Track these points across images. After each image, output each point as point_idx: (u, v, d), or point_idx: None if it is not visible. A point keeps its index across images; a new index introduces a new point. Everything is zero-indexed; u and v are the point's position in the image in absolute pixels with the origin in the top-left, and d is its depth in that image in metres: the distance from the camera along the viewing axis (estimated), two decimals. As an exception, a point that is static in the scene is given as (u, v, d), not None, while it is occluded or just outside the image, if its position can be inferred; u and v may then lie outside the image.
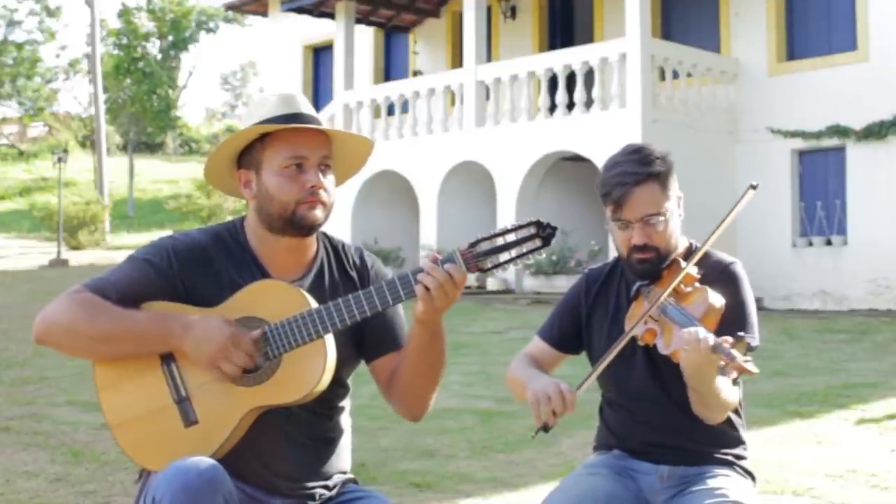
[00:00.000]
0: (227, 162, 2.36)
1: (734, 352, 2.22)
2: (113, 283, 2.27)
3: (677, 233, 2.58)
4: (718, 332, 2.31)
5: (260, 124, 2.29)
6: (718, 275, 2.54)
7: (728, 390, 2.43)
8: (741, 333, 2.27)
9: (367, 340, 2.39)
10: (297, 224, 2.28)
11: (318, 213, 2.29)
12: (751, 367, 2.21)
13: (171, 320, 2.21)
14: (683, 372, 2.36)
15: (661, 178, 2.52)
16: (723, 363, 2.23)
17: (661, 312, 2.45)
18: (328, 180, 2.31)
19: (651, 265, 2.53)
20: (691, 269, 2.49)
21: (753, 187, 2.45)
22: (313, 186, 2.27)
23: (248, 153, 2.32)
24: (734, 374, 2.22)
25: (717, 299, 2.44)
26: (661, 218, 2.51)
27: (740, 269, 2.59)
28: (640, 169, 2.50)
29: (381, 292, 2.18)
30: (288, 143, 2.27)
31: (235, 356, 2.16)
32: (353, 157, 2.43)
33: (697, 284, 2.48)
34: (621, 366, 2.56)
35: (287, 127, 2.27)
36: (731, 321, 2.43)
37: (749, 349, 2.26)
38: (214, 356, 2.17)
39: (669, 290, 2.45)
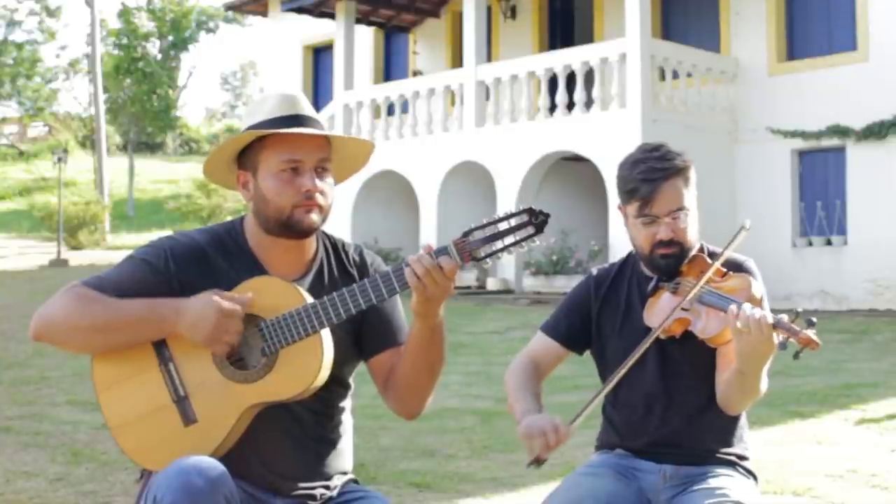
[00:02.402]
0: (228, 161, 2.37)
1: (795, 326, 2.22)
2: (110, 281, 2.27)
3: (697, 229, 2.62)
4: None
5: (258, 126, 2.28)
6: (736, 272, 2.57)
7: (765, 377, 2.45)
8: (799, 309, 2.28)
9: (365, 337, 2.39)
10: (292, 228, 2.28)
11: (314, 216, 2.28)
12: (816, 337, 2.21)
13: (164, 306, 2.21)
14: (739, 353, 2.35)
15: (684, 174, 2.58)
16: (783, 337, 2.23)
17: (696, 301, 2.46)
18: (325, 183, 2.30)
19: (674, 260, 2.56)
20: (717, 264, 2.52)
21: (746, 229, 2.54)
22: (308, 191, 2.26)
23: (247, 154, 2.32)
24: (797, 348, 2.22)
25: (758, 289, 2.48)
26: (686, 213, 2.56)
27: (755, 266, 2.64)
28: (665, 165, 2.55)
29: (375, 284, 2.18)
30: (284, 147, 2.26)
31: (234, 325, 2.16)
32: (353, 158, 2.43)
33: (732, 273, 2.52)
34: (634, 364, 2.57)
35: (283, 132, 2.26)
36: None
37: (810, 324, 2.26)
38: (212, 333, 2.16)
39: (706, 277, 2.47)
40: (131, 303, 2.23)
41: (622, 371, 2.50)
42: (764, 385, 2.49)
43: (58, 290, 2.29)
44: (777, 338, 2.26)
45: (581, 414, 2.44)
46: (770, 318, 2.27)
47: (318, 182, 2.27)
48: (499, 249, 2.12)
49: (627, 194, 2.58)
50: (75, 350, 2.30)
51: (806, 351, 2.24)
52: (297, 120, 2.28)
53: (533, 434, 2.39)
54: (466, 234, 2.14)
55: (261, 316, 2.22)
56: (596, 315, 2.72)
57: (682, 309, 2.47)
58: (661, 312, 2.53)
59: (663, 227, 2.54)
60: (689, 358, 2.54)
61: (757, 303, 2.44)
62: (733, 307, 2.35)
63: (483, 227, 2.14)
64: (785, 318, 2.27)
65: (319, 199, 2.28)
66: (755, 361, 2.36)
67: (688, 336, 2.51)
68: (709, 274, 2.48)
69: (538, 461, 2.38)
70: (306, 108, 2.32)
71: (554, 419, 2.41)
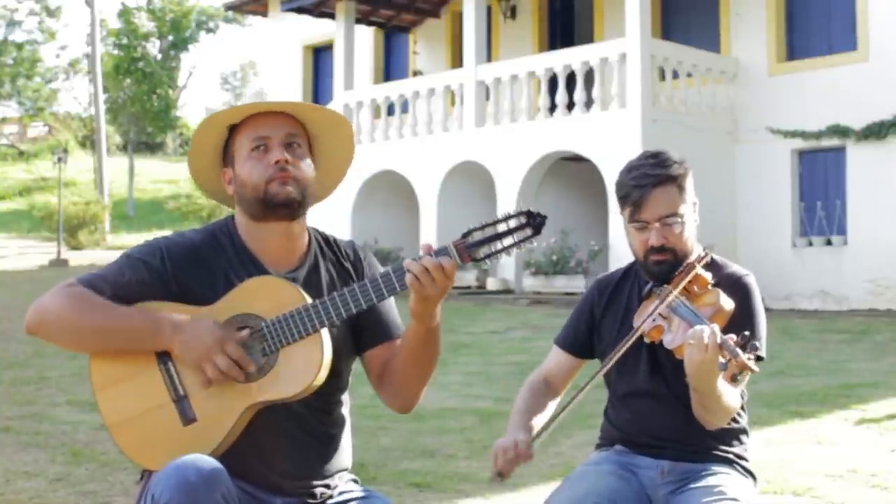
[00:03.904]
0: (214, 167, 2.41)
1: (738, 349, 2.24)
2: (107, 280, 2.27)
3: (693, 237, 2.63)
4: (724, 333, 2.33)
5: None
6: (731, 285, 2.58)
7: (729, 395, 2.44)
8: (746, 333, 2.29)
9: (360, 331, 2.40)
10: (270, 202, 2.29)
11: (290, 188, 2.29)
12: (752, 364, 2.23)
13: (162, 320, 2.21)
14: (686, 369, 2.37)
15: (679, 181, 2.59)
16: (724, 360, 2.25)
17: (671, 310, 2.48)
18: (298, 157, 2.32)
19: (667, 266, 2.57)
20: (706, 275, 2.53)
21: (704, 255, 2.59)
22: (277, 161, 2.28)
23: (226, 153, 2.38)
24: (735, 371, 2.24)
25: (727, 302, 2.49)
26: (678, 220, 2.57)
27: (753, 281, 2.64)
28: (658, 171, 2.57)
29: (375, 284, 2.20)
30: (252, 128, 2.32)
31: (220, 360, 2.17)
32: (337, 141, 2.41)
33: (710, 287, 2.52)
34: (628, 362, 2.59)
35: (239, 108, 2.32)
36: (739, 328, 2.44)
37: (758, 359, 2.30)
38: (199, 359, 2.17)
39: (680, 287, 2.49)
40: (130, 311, 2.23)
41: (592, 381, 2.52)
42: (735, 402, 2.49)
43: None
44: (721, 359, 2.27)
45: (543, 431, 2.52)
46: (717, 338, 2.29)
47: (287, 154, 2.30)
48: (498, 251, 2.16)
49: (621, 200, 2.62)
50: (66, 348, 2.31)
51: (748, 374, 2.28)
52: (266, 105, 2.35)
53: (497, 452, 2.50)
54: (466, 235, 2.17)
55: (261, 316, 2.22)
56: (599, 320, 2.76)
57: (662, 316, 2.49)
58: (643, 317, 2.55)
59: (654, 233, 2.56)
60: (680, 365, 2.54)
61: (725, 315, 2.46)
62: (693, 324, 2.38)
63: (482, 228, 2.17)
64: (732, 340, 2.28)
65: (293, 170, 2.30)
66: (701, 379, 2.36)
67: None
68: (684, 283, 2.50)
69: (500, 475, 2.50)
70: (269, 102, 2.36)
71: (518, 436, 2.51)
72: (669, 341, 2.46)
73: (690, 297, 2.50)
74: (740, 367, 2.23)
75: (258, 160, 2.30)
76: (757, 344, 2.29)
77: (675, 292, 2.48)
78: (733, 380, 2.27)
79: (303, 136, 2.36)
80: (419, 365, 2.33)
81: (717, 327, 2.33)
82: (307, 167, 2.33)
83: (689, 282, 2.52)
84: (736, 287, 2.58)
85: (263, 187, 2.29)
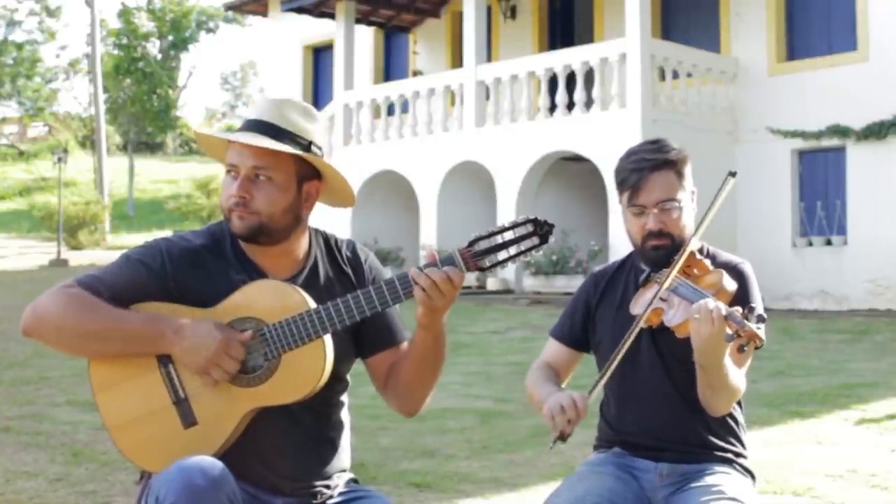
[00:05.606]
0: None
1: (744, 320, 2.24)
2: (105, 281, 2.25)
3: (690, 225, 2.62)
4: None
5: (238, 129, 2.33)
6: (728, 272, 2.56)
7: (735, 373, 2.43)
8: (753, 305, 2.29)
9: (363, 337, 2.39)
10: (234, 232, 2.30)
11: (246, 222, 2.25)
12: (762, 333, 2.23)
13: (163, 323, 2.19)
14: (693, 344, 2.36)
15: (677, 167, 2.59)
16: (731, 331, 2.24)
17: (672, 292, 2.47)
18: (260, 188, 2.26)
19: (665, 252, 2.56)
20: (705, 260, 2.53)
21: (732, 175, 2.55)
22: (232, 195, 2.27)
23: None
24: (742, 342, 2.23)
25: (730, 283, 2.48)
26: (676, 204, 2.57)
27: (749, 269, 2.64)
28: (656, 156, 2.58)
29: (380, 292, 2.19)
30: (230, 151, 2.31)
31: (226, 363, 2.16)
32: (333, 178, 2.35)
33: (712, 269, 2.52)
34: (627, 357, 2.57)
35: (218, 136, 2.31)
36: None
37: (760, 320, 2.28)
38: (205, 364, 2.16)
39: (679, 266, 2.48)
40: (130, 315, 2.21)
41: (622, 352, 2.48)
42: (740, 383, 2.48)
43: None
44: (727, 331, 2.27)
45: (595, 386, 2.45)
46: (723, 310, 2.29)
47: (241, 188, 2.25)
48: (503, 260, 2.15)
49: (620, 185, 2.62)
50: (64, 351, 2.27)
51: (755, 346, 2.26)
52: (255, 125, 2.28)
53: (554, 412, 2.40)
54: (472, 244, 2.16)
55: (263, 320, 2.21)
56: (594, 311, 2.75)
57: (661, 299, 2.48)
58: (644, 302, 2.54)
59: (652, 218, 2.56)
60: (680, 351, 2.53)
61: (727, 295, 2.45)
62: (696, 300, 2.36)
63: (488, 236, 2.16)
64: (738, 312, 2.28)
65: (251, 204, 2.25)
66: (709, 354, 2.35)
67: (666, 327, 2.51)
68: (681, 261, 2.49)
69: (562, 436, 2.38)
70: (272, 116, 2.28)
71: (572, 394, 2.42)
72: (670, 318, 2.44)
73: (692, 279, 2.50)
74: (748, 336, 2.22)
75: (226, 187, 2.30)
76: (763, 315, 2.27)
77: (674, 272, 2.48)
78: (740, 350, 2.26)
79: (278, 167, 2.26)
80: (425, 370, 2.33)
81: (716, 301, 2.32)
82: (270, 199, 2.26)
83: (689, 265, 2.51)
84: (733, 273, 2.56)
85: (228, 216, 2.29)
